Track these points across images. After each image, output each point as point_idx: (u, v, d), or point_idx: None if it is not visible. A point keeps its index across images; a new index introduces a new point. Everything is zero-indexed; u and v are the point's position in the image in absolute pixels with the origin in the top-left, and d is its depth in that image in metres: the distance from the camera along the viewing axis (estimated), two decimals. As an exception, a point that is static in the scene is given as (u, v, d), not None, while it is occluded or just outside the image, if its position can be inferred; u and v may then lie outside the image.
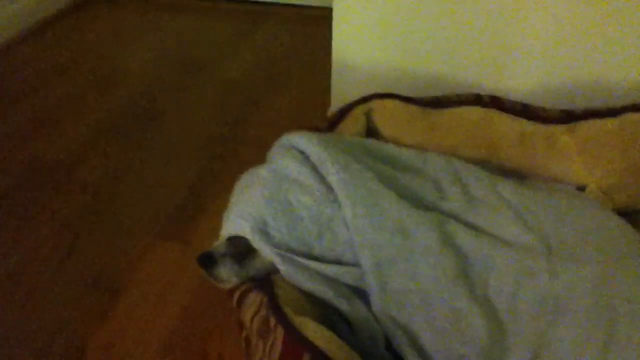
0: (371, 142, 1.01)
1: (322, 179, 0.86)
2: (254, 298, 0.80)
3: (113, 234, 1.31)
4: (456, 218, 0.91)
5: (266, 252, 0.81)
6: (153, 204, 1.39)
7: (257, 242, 0.81)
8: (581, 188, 1.11)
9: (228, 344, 1.05)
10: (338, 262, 0.84)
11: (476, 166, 1.03)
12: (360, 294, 0.84)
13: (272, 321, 0.74)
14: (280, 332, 0.72)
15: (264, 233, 0.81)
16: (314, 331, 0.72)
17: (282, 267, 0.80)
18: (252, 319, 0.78)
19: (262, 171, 0.87)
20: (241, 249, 0.84)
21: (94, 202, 1.40)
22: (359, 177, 0.86)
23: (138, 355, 1.04)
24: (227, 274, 0.83)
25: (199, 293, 1.15)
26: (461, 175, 0.99)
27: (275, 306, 0.76)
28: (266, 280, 0.82)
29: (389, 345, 0.82)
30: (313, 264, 0.81)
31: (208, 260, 0.84)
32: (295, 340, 0.71)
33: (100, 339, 1.07)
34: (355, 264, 0.84)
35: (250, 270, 0.84)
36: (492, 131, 1.13)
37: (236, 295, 0.83)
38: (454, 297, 0.83)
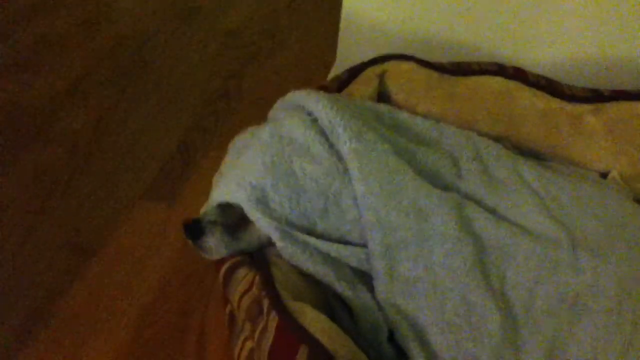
0: (384, 108, 0.90)
1: (331, 146, 0.75)
2: (245, 274, 0.71)
3: (92, 189, 1.20)
4: (474, 200, 0.81)
5: (263, 225, 0.71)
6: (138, 160, 1.28)
7: (253, 213, 0.71)
8: (603, 175, 1.02)
9: (211, 319, 0.96)
10: (342, 241, 0.74)
11: (497, 143, 0.93)
12: (364, 278, 0.75)
13: (265, 303, 0.65)
14: (273, 318, 0.63)
15: (262, 203, 0.71)
16: (313, 320, 0.63)
17: (280, 244, 0.70)
18: (240, 298, 0.69)
19: (263, 133, 0.77)
20: (233, 219, 0.74)
21: (73, 154, 1.29)
22: (374, 148, 0.75)
23: (110, 326, 0.95)
24: (216, 245, 0.74)
25: (182, 261, 1.05)
26: (481, 151, 0.89)
27: (270, 287, 0.66)
28: (260, 256, 0.73)
29: (392, 337, 0.74)
30: (315, 242, 0.72)
31: (195, 228, 0.74)
32: (291, 329, 0.62)
33: (69, 306, 0.97)
34: (362, 245, 0.74)
35: (242, 243, 0.75)
36: (513, 106, 1.03)
37: (224, 268, 0.74)
38: (468, 289, 0.74)
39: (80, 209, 1.15)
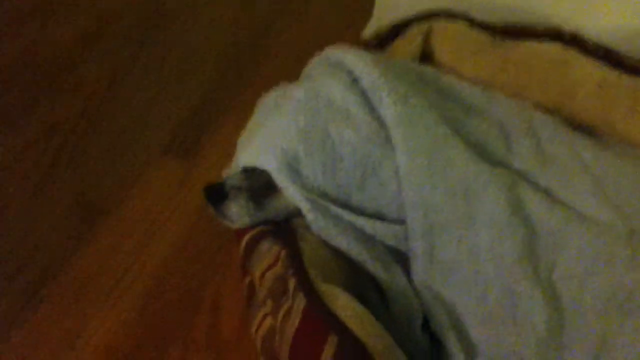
0: (429, 70, 0.81)
1: (372, 110, 0.67)
2: (269, 247, 0.64)
3: (105, 145, 1.13)
4: (527, 179, 0.73)
5: (293, 195, 0.64)
6: (155, 115, 1.20)
7: (283, 181, 0.64)
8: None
9: (226, 291, 0.90)
10: (378, 217, 0.67)
11: (552, 116, 0.84)
12: (399, 259, 0.68)
13: (292, 283, 0.58)
14: (300, 301, 0.56)
15: (293, 171, 0.64)
16: (345, 306, 0.56)
17: (310, 216, 0.63)
18: (263, 274, 0.62)
19: (297, 92, 0.68)
20: (259, 185, 0.67)
21: (87, 107, 1.21)
22: (420, 115, 0.67)
23: (119, 293, 0.89)
24: (239, 212, 0.67)
25: (199, 226, 0.98)
26: (534, 124, 0.80)
27: (297, 264, 0.59)
28: (287, 228, 0.66)
29: (426, 326, 0.66)
30: (349, 216, 0.64)
31: (216, 193, 0.66)
32: (320, 315, 0.55)
33: (76, 270, 0.92)
34: (400, 222, 0.67)
35: (268, 212, 0.68)
36: (568, 75, 0.93)
37: (246, 238, 0.67)
38: (514, 279, 0.66)
39: (93, 167, 1.09)
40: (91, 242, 0.97)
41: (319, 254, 0.62)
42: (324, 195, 0.64)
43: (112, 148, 1.13)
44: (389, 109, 0.66)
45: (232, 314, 0.86)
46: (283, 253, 0.61)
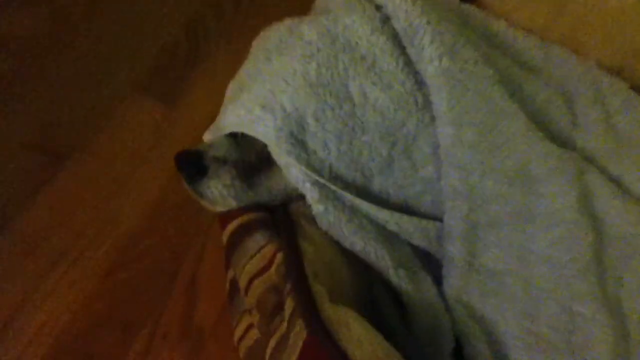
0: (476, 14, 0.63)
1: (408, 63, 0.49)
2: (260, 244, 0.48)
3: (72, 74, 0.94)
4: (595, 165, 0.56)
5: (295, 177, 0.47)
6: (133, 44, 1.01)
7: (282, 156, 0.47)
8: None
9: (207, 266, 0.74)
10: (405, 209, 0.51)
11: (622, 81, 0.67)
12: (428, 263, 0.52)
13: (289, 304, 0.42)
14: (300, 331, 0.40)
15: (298, 142, 0.47)
16: (361, 339, 0.41)
17: (318, 207, 0.47)
18: (251, 280, 0.47)
19: (308, 30, 0.50)
20: (250, 157, 0.50)
21: (58, 24, 1.01)
22: (473, 74, 0.50)
23: (75, 256, 0.74)
24: (222, 192, 0.50)
25: (175, 183, 0.82)
26: (603, 92, 0.63)
27: (298, 276, 0.43)
28: (285, 218, 0.49)
29: (458, 351, 0.52)
30: (368, 208, 0.48)
31: (193, 164, 0.50)
32: (326, 353, 0.39)
33: (27, 225, 0.76)
34: (432, 217, 0.51)
35: (260, 194, 0.52)
36: (638, 32, 0.75)
37: (230, 228, 0.51)
38: (575, 295, 0.51)
39: (57, 98, 0.91)
40: (50, 188, 0.80)
41: (326, 258, 0.46)
42: (337, 178, 0.48)
43: (81, 78, 0.94)
44: (431, 63, 0.48)
45: (213, 295, 0.71)
46: (279, 257, 0.45)
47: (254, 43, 0.55)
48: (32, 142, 0.85)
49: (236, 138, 0.51)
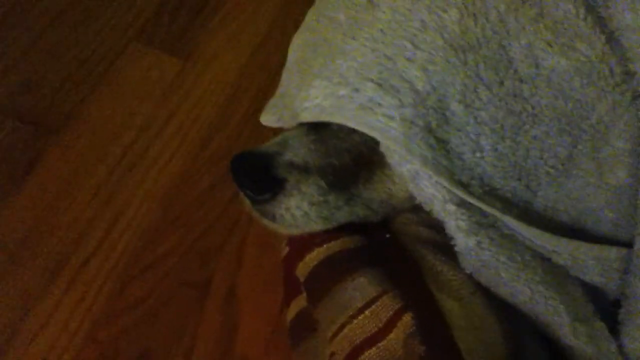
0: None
1: (592, 11, 0.31)
2: (369, 295, 0.32)
3: (55, 17, 0.75)
4: None
5: (429, 193, 0.30)
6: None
7: (416, 162, 0.30)
8: None
9: (247, 271, 0.58)
10: (571, 232, 0.34)
11: None
12: (601, 311, 0.36)
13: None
14: None
15: (439, 142, 0.30)
16: None
17: (468, 241, 0.30)
18: (357, 350, 0.30)
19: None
20: (343, 160, 0.33)
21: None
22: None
23: (76, 266, 0.57)
24: (307, 213, 0.34)
25: (199, 160, 0.65)
26: None
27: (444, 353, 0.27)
28: (400, 250, 0.33)
29: None
30: (535, 236, 0.31)
31: (259, 175, 0.32)
32: None
33: (5, 224, 0.58)
34: (617, 243, 0.34)
35: (355, 211, 0.34)
36: None
37: (312, 259, 0.34)
38: None
39: (40, 50, 0.71)
40: (34, 179, 0.62)
41: (476, 320, 0.30)
42: (492, 194, 0.31)
43: (66, 23, 0.75)
44: (631, 9, 0.31)
45: (259, 313, 0.55)
46: (406, 320, 0.29)
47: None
48: (9, 109, 0.67)
49: (317, 129, 0.34)
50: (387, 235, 0.34)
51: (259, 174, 0.33)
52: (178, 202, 0.61)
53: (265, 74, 0.73)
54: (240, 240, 0.59)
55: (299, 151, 0.33)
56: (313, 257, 0.33)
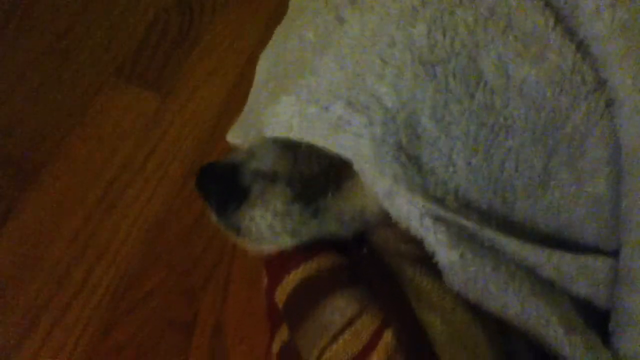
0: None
1: (561, 19, 0.32)
2: (349, 313, 0.30)
3: (34, 57, 0.75)
4: None
5: (405, 210, 0.30)
6: (113, 19, 0.81)
7: (387, 179, 0.29)
8: None
9: (234, 304, 0.57)
10: (554, 244, 0.33)
11: None
12: (591, 322, 0.35)
13: None
14: None
15: (410, 159, 0.29)
16: None
17: (451, 255, 0.29)
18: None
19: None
20: (311, 170, 0.33)
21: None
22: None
23: (57, 311, 0.55)
24: (271, 224, 0.33)
25: (180, 197, 0.64)
26: None
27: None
28: (377, 263, 0.32)
29: None
30: (517, 247, 0.31)
31: (224, 184, 0.32)
32: None
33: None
34: (601, 253, 0.34)
35: (325, 225, 0.34)
36: None
37: (288, 283, 0.33)
38: None
39: (18, 89, 0.71)
40: (15, 222, 0.61)
41: (462, 334, 0.29)
42: (468, 207, 0.30)
43: (46, 61, 0.75)
44: (599, 16, 0.31)
45: (248, 348, 0.54)
46: (387, 337, 0.28)
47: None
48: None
49: (289, 147, 0.33)
50: (365, 251, 0.33)
51: (224, 184, 0.33)
52: (160, 241, 0.60)
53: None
54: (225, 276, 0.58)
55: (266, 159, 0.33)
56: (290, 281, 0.32)
